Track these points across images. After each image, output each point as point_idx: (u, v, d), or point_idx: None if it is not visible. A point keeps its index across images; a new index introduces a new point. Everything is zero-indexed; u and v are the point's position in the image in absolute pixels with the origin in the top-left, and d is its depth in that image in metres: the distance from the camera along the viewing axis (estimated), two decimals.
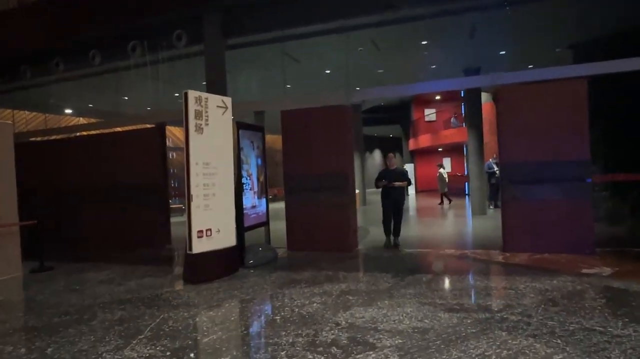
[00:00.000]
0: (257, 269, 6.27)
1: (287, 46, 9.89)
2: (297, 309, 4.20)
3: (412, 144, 24.79)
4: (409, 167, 24.96)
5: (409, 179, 7.90)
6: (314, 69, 11.86)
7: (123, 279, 5.99)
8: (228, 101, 6.23)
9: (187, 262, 5.72)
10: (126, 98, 14.57)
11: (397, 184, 7.57)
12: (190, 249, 5.60)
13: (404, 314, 3.89)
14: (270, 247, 7.29)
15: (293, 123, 7.68)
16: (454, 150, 25.28)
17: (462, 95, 22.11)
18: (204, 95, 5.85)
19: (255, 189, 7.15)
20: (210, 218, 5.79)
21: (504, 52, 10.91)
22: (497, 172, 13.70)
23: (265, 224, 7.56)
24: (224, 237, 5.97)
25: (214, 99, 6.00)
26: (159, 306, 4.57)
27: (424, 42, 10.14)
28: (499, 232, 6.85)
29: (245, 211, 6.74)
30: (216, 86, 8.22)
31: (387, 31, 9.43)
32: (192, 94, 5.66)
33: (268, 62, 10.96)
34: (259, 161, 7.33)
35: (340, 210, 7.37)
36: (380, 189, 7.84)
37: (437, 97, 25.00)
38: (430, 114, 24.76)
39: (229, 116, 6.20)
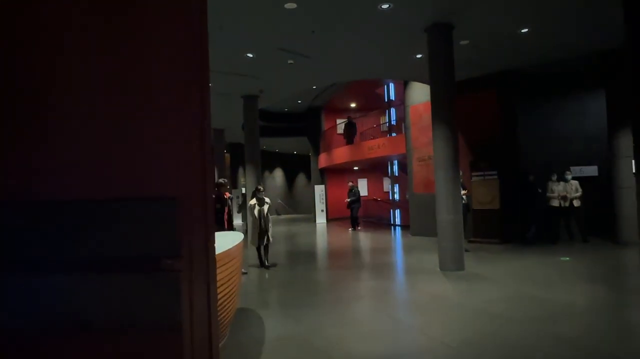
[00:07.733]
0: None
1: None
2: None
3: (323, 161, 19.86)
4: (319, 189, 20.05)
5: None
6: None
7: None
8: None
9: None
10: None
11: None
12: None
13: None
14: None
15: None
16: (374, 169, 20.99)
17: (386, 100, 18.06)
18: None
19: None
20: None
21: None
22: (465, 198, 9.28)
23: None
24: None
25: None
26: None
27: None
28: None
29: None
30: None
31: None
32: None
33: None
34: None
35: (164, 345, 1.81)
36: None
37: (353, 105, 20.77)
38: (342, 122, 20.26)
39: None
